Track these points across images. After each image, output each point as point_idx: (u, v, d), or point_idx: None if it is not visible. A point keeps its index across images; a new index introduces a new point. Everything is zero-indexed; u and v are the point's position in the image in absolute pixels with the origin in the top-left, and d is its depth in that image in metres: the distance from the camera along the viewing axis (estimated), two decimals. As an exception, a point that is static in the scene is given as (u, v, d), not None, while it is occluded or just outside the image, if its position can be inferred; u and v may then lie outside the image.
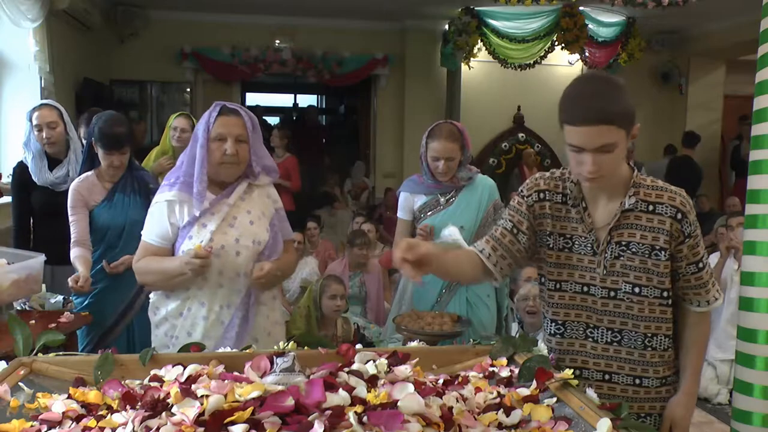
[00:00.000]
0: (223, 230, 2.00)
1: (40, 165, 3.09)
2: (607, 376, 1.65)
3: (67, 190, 2.80)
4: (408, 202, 2.83)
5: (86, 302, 2.81)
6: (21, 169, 3.16)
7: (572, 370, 1.40)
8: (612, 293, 1.63)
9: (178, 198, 2.02)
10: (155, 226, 2.06)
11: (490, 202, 2.76)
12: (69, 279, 2.56)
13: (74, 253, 2.70)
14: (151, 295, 2.14)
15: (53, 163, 3.13)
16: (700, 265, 1.64)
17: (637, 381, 1.64)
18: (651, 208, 1.61)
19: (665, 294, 1.63)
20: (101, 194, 2.80)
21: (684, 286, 1.65)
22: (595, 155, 1.52)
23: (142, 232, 2.11)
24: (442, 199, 2.76)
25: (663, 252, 1.59)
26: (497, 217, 2.76)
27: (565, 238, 1.66)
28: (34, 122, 3.08)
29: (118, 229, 2.78)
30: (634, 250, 1.60)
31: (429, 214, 2.77)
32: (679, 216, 1.59)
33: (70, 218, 2.75)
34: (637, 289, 1.61)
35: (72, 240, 2.72)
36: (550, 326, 1.70)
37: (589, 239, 1.64)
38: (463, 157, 2.71)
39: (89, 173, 2.81)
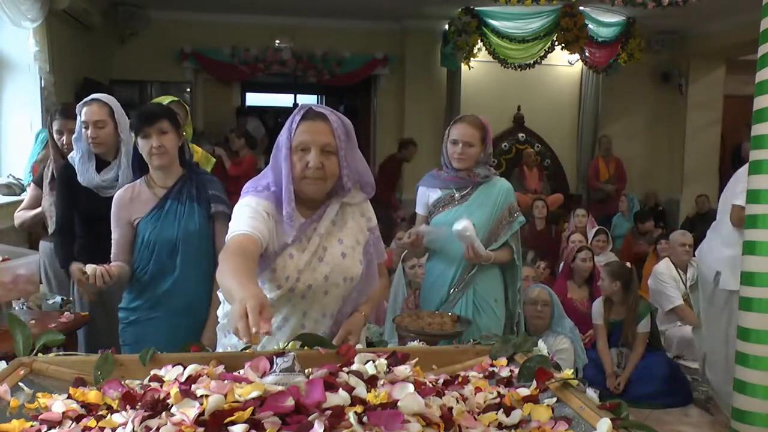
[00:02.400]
0: (312, 267, 1.74)
1: (87, 164, 2.72)
2: None
3: (113, 197, 2.41)
4: (424, 196, 2.86)
5: (130, 339, 2.35)
6: (66, 167, 2.80)
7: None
8: None
9: (269, 210, 1.72)
10: (249, 216, 1.68)
11: (506, 204, 2.77)
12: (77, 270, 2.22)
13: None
14: (220, 316, 1.89)
15: (102, 164, 2.75)
16: None
17: None
18: None
19: None
20: (149, 203, 2.31)
21: None
22: None
23: (229, 229, 1.70)
24: (457, 195, 2.77)
25: None
26: (511, 220, 2.77)
27: None
28: (82, 118, 2.70)
29: (169, 245, 2.27)
30: None
31: (442, 209, 2.78)
32: None
33: (112, 233, 2.33)
34: None
35: (111, 257, 2.34)
36: None
37: None
38: (483, 152, 2.74)
39: (137, 180, 2.37)
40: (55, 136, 3.16)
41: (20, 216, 3.36)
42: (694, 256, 4.71)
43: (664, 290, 4.60)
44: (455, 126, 2.75)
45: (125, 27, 7.03)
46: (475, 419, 1.17)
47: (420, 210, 2.88)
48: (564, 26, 7.18)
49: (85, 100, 2.72)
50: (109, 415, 1.16)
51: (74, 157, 2.75)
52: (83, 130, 2.69)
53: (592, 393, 1.30)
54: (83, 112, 2.68)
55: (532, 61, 7.41)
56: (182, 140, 2.38)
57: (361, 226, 1.86)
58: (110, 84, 7.04)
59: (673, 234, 4.95)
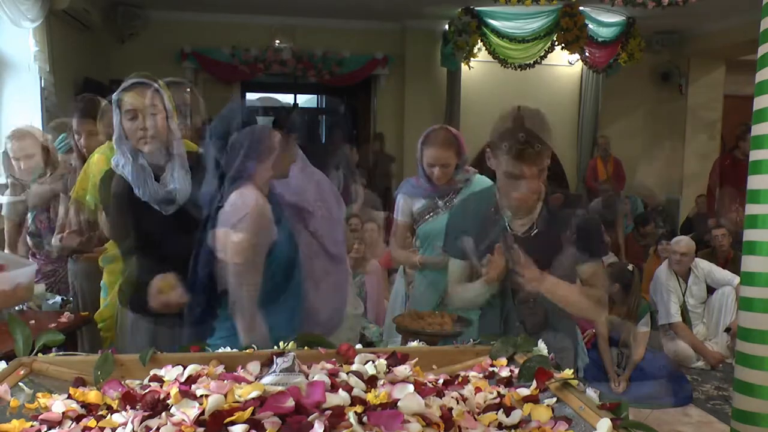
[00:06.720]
0: None
1: (142, 174, 2.03)
2: None
3: (179, 214, 1.96)
4: (406, 204, 2.83)
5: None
6: (116, 182, 2.07)
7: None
8: None
9: None
10: None
11: None
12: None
13: None
14: None
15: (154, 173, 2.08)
16: None
17: None
18: None
19: None
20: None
21: None
22: None
23: None
24: (440, 203, 2.75)
25: None
26: (497, 218, 2.76)
27: None
28: (125, 108, 2.02)
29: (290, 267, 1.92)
30: None
31: (428, 217, 2.77)
32: None
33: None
34: None
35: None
36: None
37: None
38: (459, 161, 2.71)
39: (248, 186, 1.80)
40: (75, 136, 2.83)
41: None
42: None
43: (663, 302, 4.58)
44: (428, 149, 2.65)
45: (125, 27, 7.03)
46: (475, 419, 1.17)
47: (401, 217, 2.83)
48: (564, 26, 7.18)
49: (124, 86, 2.05)
50: (109, 415, 1.16)
51: (118, 164, 2.07)
52: (128, 123, 2.03)
53: (592, 393, 1.30)
54: (127, 102, 2.02)
55: (532, 61, 7.41)
56: None
57: None
58: (110, 84, 7.04)
59: (674, 240, 4.91)
